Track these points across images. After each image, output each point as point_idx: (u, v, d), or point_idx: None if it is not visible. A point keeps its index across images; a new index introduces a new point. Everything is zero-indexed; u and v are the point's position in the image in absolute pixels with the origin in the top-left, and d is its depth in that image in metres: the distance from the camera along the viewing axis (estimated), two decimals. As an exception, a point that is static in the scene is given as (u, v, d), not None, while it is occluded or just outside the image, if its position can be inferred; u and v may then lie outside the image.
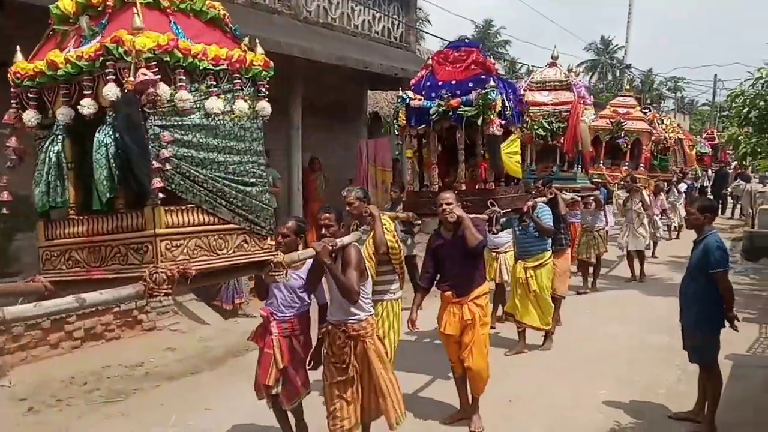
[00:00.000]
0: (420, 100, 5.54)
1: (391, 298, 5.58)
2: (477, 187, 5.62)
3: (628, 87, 14.17)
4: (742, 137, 16.83)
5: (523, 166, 8.52)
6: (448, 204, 5.17)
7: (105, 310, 7.62)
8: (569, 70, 9.00)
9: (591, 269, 11.25)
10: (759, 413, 5.77)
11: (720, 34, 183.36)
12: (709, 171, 26.15)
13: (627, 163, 13.02)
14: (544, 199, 7.36)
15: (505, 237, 8.15)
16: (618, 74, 43.27)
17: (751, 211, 18.31)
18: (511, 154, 5.63)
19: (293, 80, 11.01)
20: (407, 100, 5.59)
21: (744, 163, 21.28)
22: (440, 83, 5.53)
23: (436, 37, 73.20)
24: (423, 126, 5.61)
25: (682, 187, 17.59)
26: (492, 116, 5.18)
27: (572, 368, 7.10)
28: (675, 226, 17.26)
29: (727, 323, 5.37)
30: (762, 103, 12.61)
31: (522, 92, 8.50)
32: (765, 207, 15.76)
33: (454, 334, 5.47)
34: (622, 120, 13.03)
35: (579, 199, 8.84)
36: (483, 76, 5.38)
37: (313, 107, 11.92)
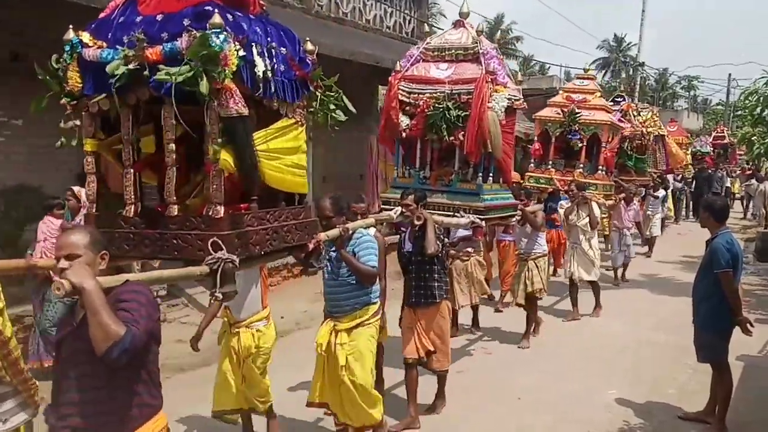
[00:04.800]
0: (100, 47, 2.89)
1: None
2: (205, 211, 2.92)
3: (587, 67, 10.95)
4: (755, 137, 15.65)
5: (402, 171, 6.07)
6: (68, 257, 2.47)
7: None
8: (479, 33, 5.84)
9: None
10: (770, 414, 5.46)
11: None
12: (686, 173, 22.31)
13: (581, 165, 9.95)
14: (362, 223, 4.52)
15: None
16: (631, 72, 42.91)
17: (764, 211, 17.07)
18: (280, 152, 3.20)
19: (303, 75, 11.16)
20: (78, 46, 2.90)
21: (758, 162, 20.29)
22: (139, 19, 2.94)
23: (451, 33, 71.91)
24: (102, 96, 2.89)
25: (660, 194, 14.46)
26: (223, 79, 2.68)
27: (581, 366, 6.81)
28: (646, 241, 14.12)
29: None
30: (776, 102, 11.77)
31: (412, 62, 5.93)
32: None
33: None
34: (576, 109, 9.90)
35: (482, 223, 5.64)
36: (206, 7, 2.80)
37: (323, 103, 12.08)
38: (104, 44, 2.92)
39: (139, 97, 2.87)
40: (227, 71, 2.72)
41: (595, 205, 8.62)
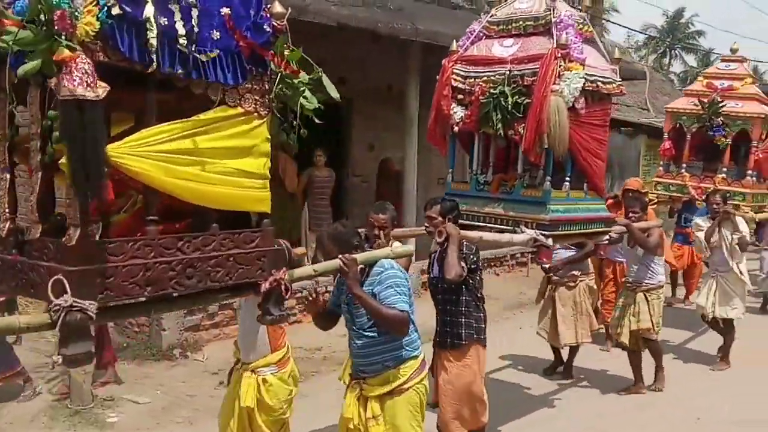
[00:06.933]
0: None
1: None
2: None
3: (736, 47, 8.38)
4: None
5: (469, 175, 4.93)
6: None
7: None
8: None
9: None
10: None
11: None
12: None
13: (725, 169, 7.79)
14: (379, 254, 3.34)
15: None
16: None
17: None
18: (208, 155, 2.32)
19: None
20: None
21: None
22: None
23: (624, 27, 67.65)
24: None
25: None
26: (61, 49, 1.89)
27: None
28: None
29: None
30: None
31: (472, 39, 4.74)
32: None
33: None
34: (719, 99, 7.71)
35: (547, 242, 4.33)
36: None
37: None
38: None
39: (9, 76, 2.12)
40: (74, 36, 1.92)
41: (740, 220, 6.61)
